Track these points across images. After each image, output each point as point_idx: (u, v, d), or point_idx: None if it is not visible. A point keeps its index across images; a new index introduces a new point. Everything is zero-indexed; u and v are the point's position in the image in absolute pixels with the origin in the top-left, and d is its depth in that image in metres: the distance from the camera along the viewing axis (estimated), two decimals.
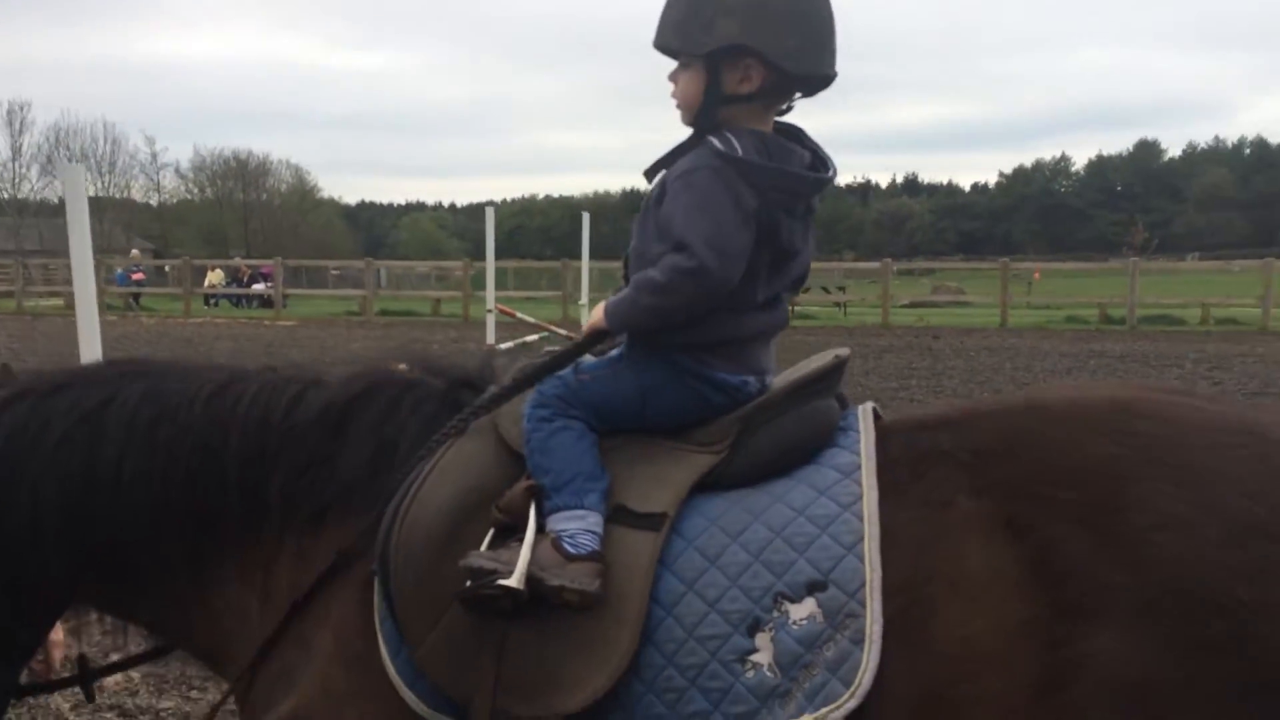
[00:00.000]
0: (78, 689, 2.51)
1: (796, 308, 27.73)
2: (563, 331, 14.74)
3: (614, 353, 2.18)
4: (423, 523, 1.96)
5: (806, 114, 2.20)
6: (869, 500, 1.90)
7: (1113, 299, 26.93)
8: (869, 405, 2.17)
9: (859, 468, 1.97)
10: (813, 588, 1.84)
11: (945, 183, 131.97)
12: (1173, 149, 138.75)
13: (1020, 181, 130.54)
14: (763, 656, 1.82)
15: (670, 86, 2.14)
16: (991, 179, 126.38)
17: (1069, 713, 1.71)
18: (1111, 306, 26.40)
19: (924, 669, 1.77)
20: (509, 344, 15.01)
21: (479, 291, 22.45)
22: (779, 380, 2.17)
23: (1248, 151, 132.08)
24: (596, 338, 2.12)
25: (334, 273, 42.52)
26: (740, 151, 2.02)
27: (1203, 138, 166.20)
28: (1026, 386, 2.69)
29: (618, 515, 1.97)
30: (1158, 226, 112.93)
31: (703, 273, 1.96)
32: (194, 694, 4.51)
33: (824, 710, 1.77)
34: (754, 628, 1.84)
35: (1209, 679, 1.66)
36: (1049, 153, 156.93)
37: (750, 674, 1.82)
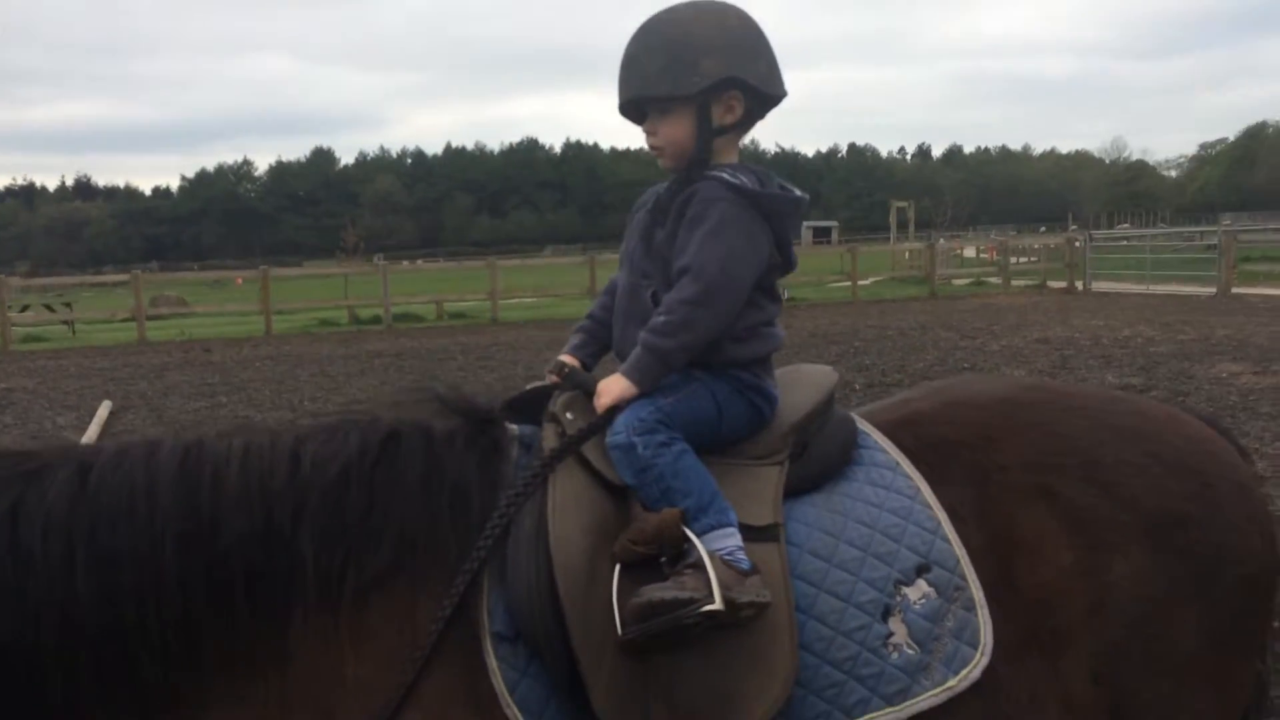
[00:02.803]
0: None
1: (18, 327, 24.17)
2: None
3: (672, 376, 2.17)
4: (573, 569, 1.87)
5: None
6: (924, 489, 2.14)
7: (359, 300, 28.22)
8: (854, 412, 2.39)
9: (898, 464, 2.19)
10: (921, 570, 2.04)
11: (123, 186, 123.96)
12: (346, 156, 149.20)
13: (204, 185, 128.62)
14: (900, 638, 1.99)
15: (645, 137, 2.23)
16: (174, 182, 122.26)
17: (1109, 623, 2.10)
18: (359, 307, 27.61)
19: (1018, 617, 2.06)
20: None
21: None
22: (795, 395, 2.26)
23: (409, 161, 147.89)
24: (619, 408, 2.09)
25: None
26: (748, 184, 2.16)
27: (371, 147, 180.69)
28: (927, 382, 2.90)
29: (741, 531, 2.03)
30: (338, 230, 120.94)
31: (706, 298, 2.06)
32: None
33: (964, 672, 1.98)
34: (886, 613, 2.00)
35: (1180, 578, 2.14)
36: (230, 156, 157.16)
37: (895, 655, 1.97)
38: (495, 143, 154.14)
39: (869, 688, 1.94)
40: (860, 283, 29.25)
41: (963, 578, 2.05)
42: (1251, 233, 38.16)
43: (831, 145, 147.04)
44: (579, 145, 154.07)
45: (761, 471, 2.12)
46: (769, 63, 2.18)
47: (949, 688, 1.96)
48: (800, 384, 2.26)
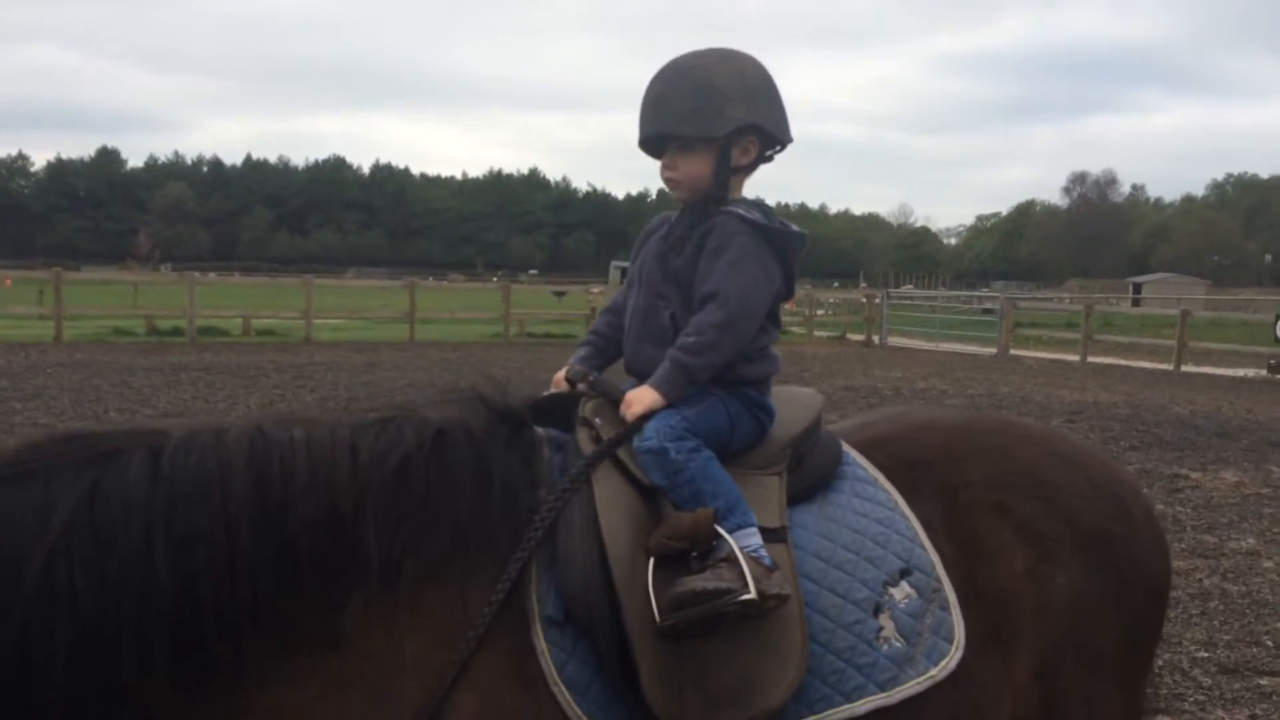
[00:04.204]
0: None
1: None
2: None
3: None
4: (622, 559, 2.03)
5: None
6: (901, 501, 2.39)
7: (155, 310, 26.71)
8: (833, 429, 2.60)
9: (876, 479, 2.42)
10: (904, 573, 2.27)
11: None
12: (134, 159, 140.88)
13: None
14: (889, 632, 2.20)
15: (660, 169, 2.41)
16: None
17: (1051, 624, 2.37)
18: (159, 318, 26.15)
19: (982, 616, 2.32)
20: None
21: None
22: (789, 412, 2.45)
23: (205, 169, 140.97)
24: (649, 415, 2.25)
25: None
26: (761, 220, 2.35)
27: (163, 151, 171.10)
28: (881, 408, 3.01)
29: None
30: (123, 235, 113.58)
31: (730, 323, 2.27)
32: None
33: (943, 663, 2.22)
34: (877, 610, 2.22)
35: (1106, 587, 2.45)
36: (4, 150, 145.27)
37: (885, 647, 2.19)
38: (300, 158, 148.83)
39: (865, 675, 2.15)
40: None
41: (939, 580, 2.29)
42: (1023, 300, 41.54)
43: (641, 189, 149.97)
44: (389, 168, 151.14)
45: (764, 480, 2.30)
46: (781, 111, 2.38)
47: (930, 676, 2.19)
48: (793, 403, 2.45)
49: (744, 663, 2.06)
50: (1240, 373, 22.70)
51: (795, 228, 2.43)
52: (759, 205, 2.41)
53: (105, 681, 1.72)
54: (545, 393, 2.39)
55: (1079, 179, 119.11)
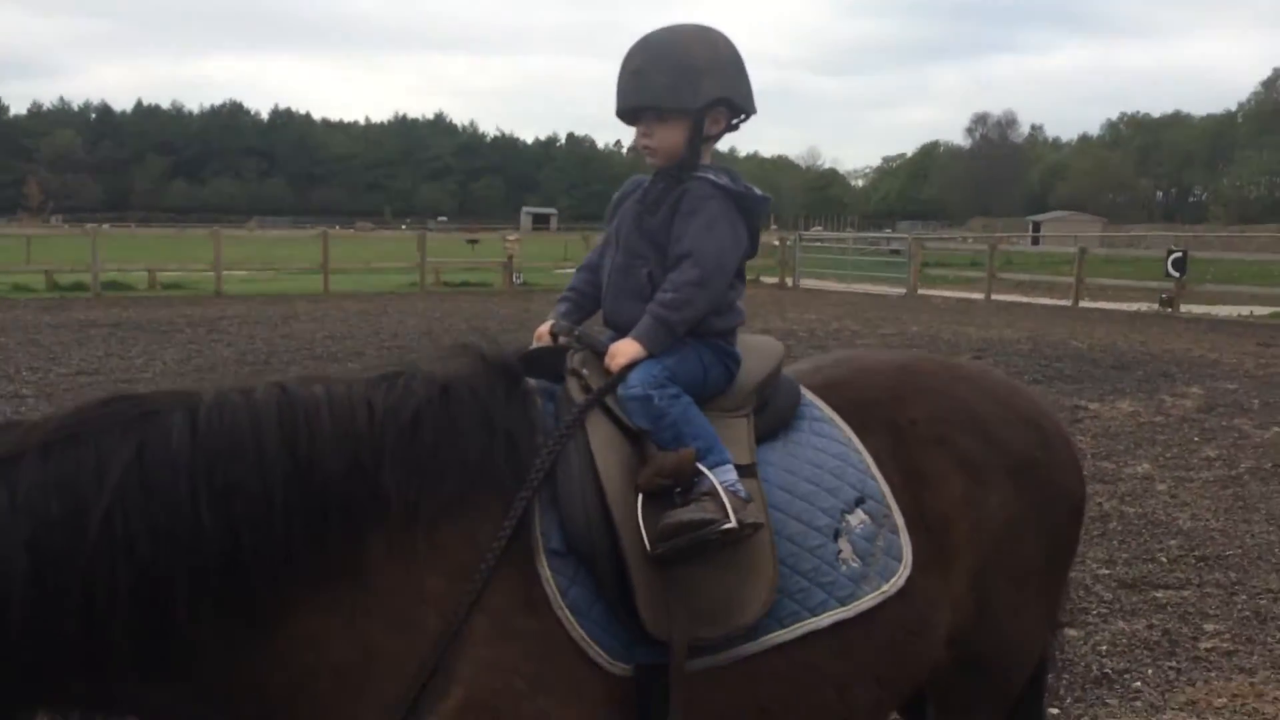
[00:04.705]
0: None
1: None
2: None
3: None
4: (617, 495, 2.26)
5: None
6: (854, 438, 2.64)
7: (53, 264, 25.84)
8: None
9: (831, 419, 2.67)
10: (858, 502, 2.52)
11: None
12: (17, 106, 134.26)
13: None
14: (846, 554, 2.46)
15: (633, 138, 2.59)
16: None
17: (983, 542, 2.65)
18: (58, 273, 25.35)
19: (927, 537, 2.58)
20: None
21: None
22: (754, 360, 2.65)
23: (94, 116, 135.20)
24: (632, 365, 2.45)
25: None
26: (729, 184, 2.53)
27: (48, 98, 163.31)
28: (830, 352, 3.19)
29: None
30: (9, 187, 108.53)
31: (705, 280, 2.48)
32: None
33: (893, 580, 2.49)
34: (836, 535, 2.47)
35: (1029, 507, 2.73)
36: None
37: (844, 567, 2.45)
38: (194, 104, 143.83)
39: (827, 592, 2.41)
40: None
41: (889, 508, 2.54)
42: (930, 240, 42.55)
43: (551, 133, 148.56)
44: (289, 113, 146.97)
45: (734, 421, 2.51)
46: (748, 84, 2.57)
47: (883, 592, 2.45)
48: (756, 352, 2.64)
49: (725, 584, 2.29)
50: (1134, 307, 23.67)
51: (759, 191, 2.61)
52: (727, 171, 2.59)
53: (161, 618, 1.91)
54: (531, 346, 2.58)
55: (980, 120, 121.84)
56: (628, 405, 2.38)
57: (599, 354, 2.46)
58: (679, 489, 2.29)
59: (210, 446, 1.98)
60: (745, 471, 2.41)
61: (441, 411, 2.20)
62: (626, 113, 2.57)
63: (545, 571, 2.17)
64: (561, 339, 2.57)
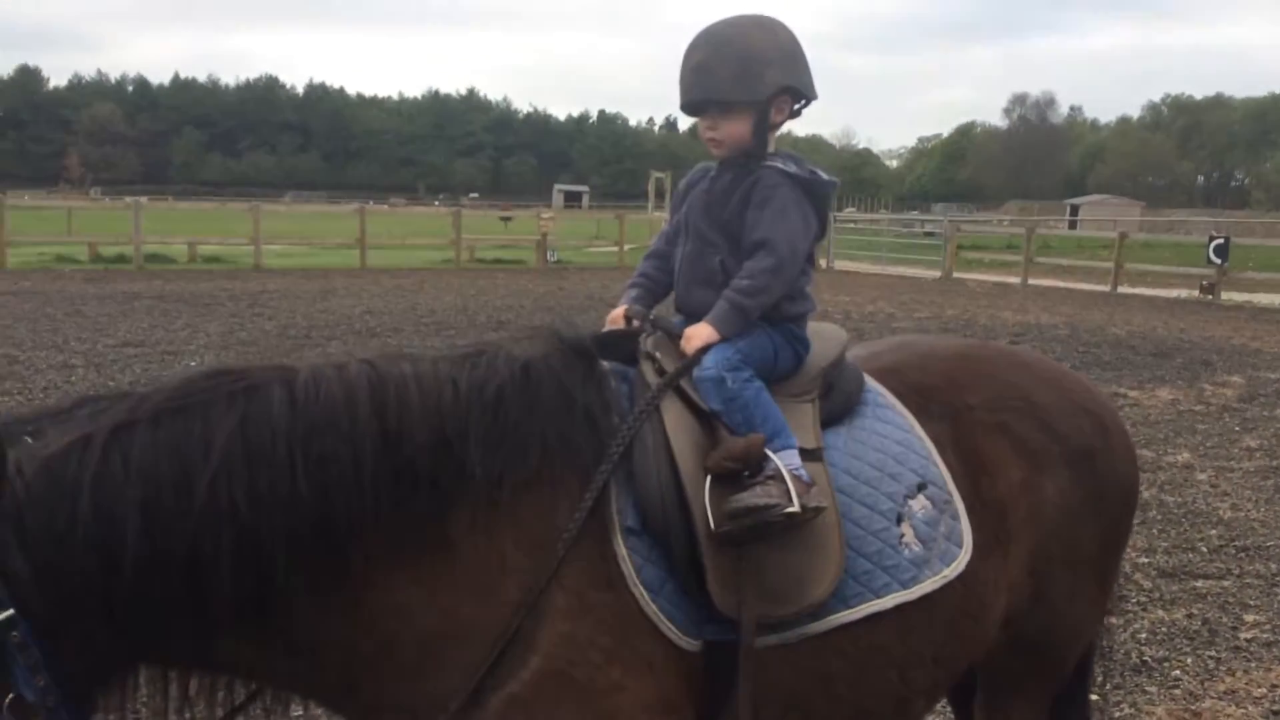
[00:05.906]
0: None
1: None
2: None
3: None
4: (690, 475, 2.31)
5: None
6: (915, 424, 2.67)
7: (97, 236, 26.20)
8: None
9: (893, 404, 2.70)
10: (920, 487, 2.56)
11: None
12: (57, 78, 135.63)
13: None
14: (909, 538, 2.50)
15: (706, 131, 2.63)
16: None
17: (1040, 528, 2.70)
18: (102, 244, 25.70)
19: (986, 523, 2.62)
20: None
21: None
22: (819, 345, 2.72)
23: (131, 89, 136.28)
24: (707, 348, 2.52)
25: None
26: (797, 171, 2.59)
27: (87, 70, 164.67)
28: (885, 339, 3.21)
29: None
30: (47, 158, 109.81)
31: (779, 268, 2.54)
32: None
33: (954, 564, 2.53)
34: (899, 519, 2.51)
35: (1086, 495, 2.77)
36: None
37: (907, 551, 2.49)
38: (230, 77, 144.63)
39: (890, 575, 2.45)
40: (610, 249, 30.00)
41: (949, 493, 2.57)
42: (965, 222, 42.24)
43: (583, 110, 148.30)
44: (324, 88, 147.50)
45: (800, 406, 2.56)
46: (808, 71, 2.61)
47: (944, 576, 2.49)
48: (821, 337, 2.69)
49: (794, 565, 2.35)
50: (1174, 294, 23.48)
51: (825, 175, 2.65)
52: (794, 157, 2.64)
53: (258, 580, 2.01)
54: (604, 329, 2.65)
55: (1019, 100, 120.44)
56: (702, 386, 2.44)
57: (673, 338, 2.52)
58: (746, 472, 2.36)
59: (307, 418, 2.07)
60: (811, 455, 2.47)
61: (523, 390, 2.27)
62: (690, 106, 2.63)
63: (621, 549, 2.23)
64: (635, 323, 2.64)
